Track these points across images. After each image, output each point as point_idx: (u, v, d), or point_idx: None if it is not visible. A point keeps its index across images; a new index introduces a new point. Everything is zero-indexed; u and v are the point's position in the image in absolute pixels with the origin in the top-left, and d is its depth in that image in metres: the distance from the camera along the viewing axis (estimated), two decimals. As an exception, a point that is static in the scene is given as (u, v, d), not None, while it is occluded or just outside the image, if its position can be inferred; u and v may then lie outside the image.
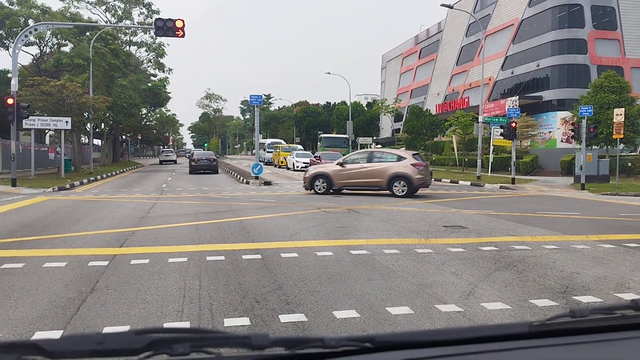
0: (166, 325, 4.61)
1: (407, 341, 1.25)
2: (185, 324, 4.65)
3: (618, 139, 25.13)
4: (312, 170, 20.86)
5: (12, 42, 30.44)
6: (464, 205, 15.57)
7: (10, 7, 33.81)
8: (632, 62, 45.30)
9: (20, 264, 6.98)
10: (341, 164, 19.72)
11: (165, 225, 10.86)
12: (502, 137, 29.72)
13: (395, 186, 18.50)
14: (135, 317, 4.83)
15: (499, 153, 37.16)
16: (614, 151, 29.43)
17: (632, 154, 34.82)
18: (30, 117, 25.10)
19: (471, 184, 26.50)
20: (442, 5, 34.88)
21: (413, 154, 19.38)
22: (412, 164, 18.50)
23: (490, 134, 33.10)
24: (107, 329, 4.48)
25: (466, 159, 39.09)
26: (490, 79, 51.96)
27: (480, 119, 31.47)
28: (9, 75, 32.75)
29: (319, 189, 19.62)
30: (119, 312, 4.98)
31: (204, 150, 73.35)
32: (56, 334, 4.37)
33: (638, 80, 42.75)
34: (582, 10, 45.18)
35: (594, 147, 31.23)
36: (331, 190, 19.55)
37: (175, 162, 60.76)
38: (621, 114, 23.89)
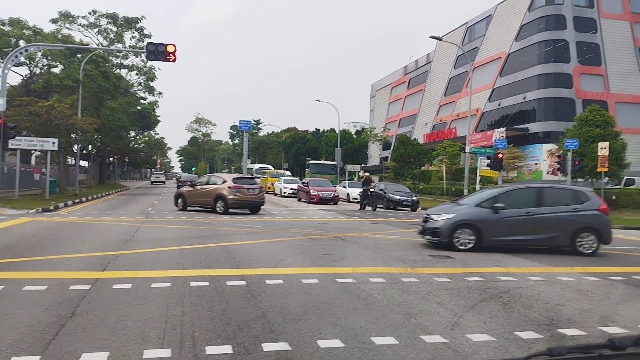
0: (147, 354, 4.52)
1: None
2: (167, 352, 4.56)
3: (602, 172, 25.45)
4: (178, 190, 24.41)
5: (2, 62, 30.36)
6: (451, 235, 15.54)
7: (1, 27, 33.87)
8: (616, 97, 46.25)
9: (0, 287, 6.85)
10: (193, 186, 22.86)
11: (150, 250, 10.74)
12: (489, 168, 30.00)
13: (218, 205, 21.02)
14: (115, 344, 4.73)
15: (485, 183, 37.41)
16: (598, 184, 29.77)
17: (617, 187, 35.24)
18: (17, 137, 24.89)
19: (458, 214, 26.54)
20: (431, 37, 35.54)
21: (234, 178, 21.75)
22: (229, 187, 21.00)
23: (477, 164, 33.35)
24: (85, 356, 4.38)
25: (453, 189, 39.32)
26: (477, 110, 52.70)
27: (468, 149, 31.75)
28: (-3, 95, 32.65)
29: (179, 206, 22.62)
30: (99, 338, 4.88)
31: (189, 173, 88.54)
32: (33, 360, 4.26)
33: (622, 114, 43.62)
34: (567, 45, 46.25)
35: (579, 179, 31.59)
36: (188, 208, 22.20)
37: (164, 183, 72.42)
38: (606, 148, 24.28)
